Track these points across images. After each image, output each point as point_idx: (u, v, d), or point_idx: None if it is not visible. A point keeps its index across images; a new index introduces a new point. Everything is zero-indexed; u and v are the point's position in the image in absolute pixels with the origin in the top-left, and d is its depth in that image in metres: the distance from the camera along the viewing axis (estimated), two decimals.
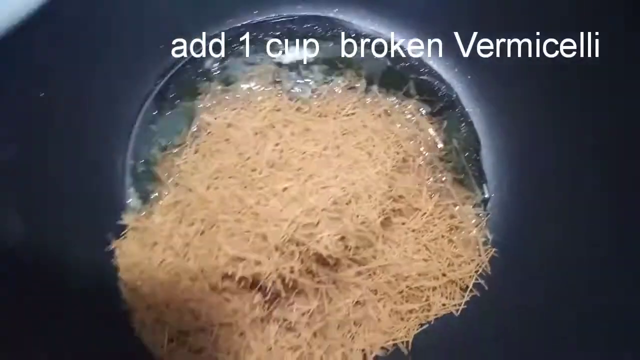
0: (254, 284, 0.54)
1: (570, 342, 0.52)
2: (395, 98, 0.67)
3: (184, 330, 0.53)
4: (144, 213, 0.60)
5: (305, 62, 0.69)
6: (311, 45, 0.70)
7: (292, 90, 0.67)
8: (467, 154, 0.65)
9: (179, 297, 0.54)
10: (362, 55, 0.69)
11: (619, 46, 0.56)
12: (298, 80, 0.68)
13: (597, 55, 0.57)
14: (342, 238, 0.54)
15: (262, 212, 0.54)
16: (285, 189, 0.56)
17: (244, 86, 0.67)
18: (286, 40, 0.70)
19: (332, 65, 0.69)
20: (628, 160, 0.55)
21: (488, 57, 0.66)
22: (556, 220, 0.59)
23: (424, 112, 0.66)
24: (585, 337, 0.52)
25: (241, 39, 0.69)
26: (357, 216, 0.55)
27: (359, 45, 0.70)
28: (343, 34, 0.70)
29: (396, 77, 0.68)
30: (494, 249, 0.60)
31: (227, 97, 0.67)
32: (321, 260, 0.55)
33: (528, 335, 0.55)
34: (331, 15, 0.71)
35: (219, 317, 0.53)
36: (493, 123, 0.66)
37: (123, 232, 0.58)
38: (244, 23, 0.70)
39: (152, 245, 0.57)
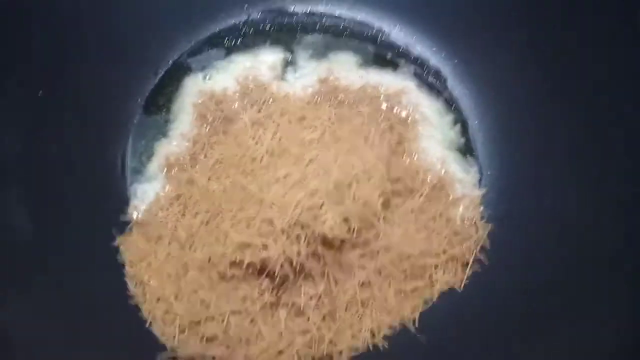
0: (262, 270, 0.54)
1: (573, 310, 0.54)
2: (386, 83, 0.68)
3: (195, 320, 0.53)
4: (146, 208, 0.60)
5: (296, 53, 0.70)
6: (301, 37, 0.71)
7: (286, 81, 0.68)
8: (458, 134, 0.67)
9: (188, 288, 0.54)
10: (352, 44, 0.71)
11: (607, 21, 0.58)
12: (290, 71, 0.69)
13: (581, 31, 0.59)
14: (346, 219, 0.55)
15: (266, 198, 0.55)
16: (286, 175, 0.57)
17: (239, 79, 0.68)
18: (278, 33, 0.71)
19: (323, 55, 0.70)
20: (617, 127, 0.57)
21: (473, 40, 0.68)
22: (550, 193, 0.61)
23: (414, 96, 0.68)
24: (589, 305, 0.54)
25: (235, 34, 0.70)
26: (359, 198, 0.57)
27: (347, 35, 0.71)
28: (332, 25, 0.71)
29: (386, 64, 0.70)
30: (490, 224, 0.62)
31: (222, 91, 0.67)
32: (326, 242, 0.55)
33: (531, 306, 0.56)
34: (320, 7, 0.72)
35: (228, 305, 0.54)
36: (482, 103, 0.68)
37: (127, 228, 0.58)
38: (237, 19, 0.71)
39: (156, 239, 0.57)
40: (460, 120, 0.68)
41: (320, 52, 0.70)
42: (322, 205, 0.55)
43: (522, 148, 0.65)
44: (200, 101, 0.66)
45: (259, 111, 0.65)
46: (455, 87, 0.69)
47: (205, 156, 0.62)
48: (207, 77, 0.68)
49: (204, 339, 0.53)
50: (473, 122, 0.68)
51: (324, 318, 0.56)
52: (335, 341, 0.56)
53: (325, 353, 0.55)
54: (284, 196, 0.55)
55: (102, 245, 0.57)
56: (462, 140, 0.67)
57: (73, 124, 0.61)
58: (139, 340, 0.53)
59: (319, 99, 0.67)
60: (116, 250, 0.57)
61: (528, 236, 0.61)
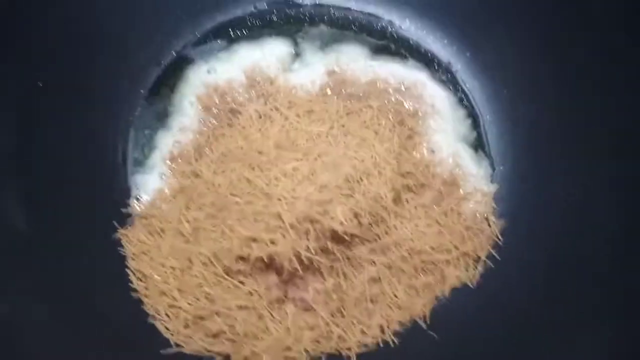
0: (269, 265, 0.53)
1: (590, 307, 0.53)
2: (396, 75, 0.66)
3: (200, 315, 0.52)
4: (148, 200, 0.58)
5: (302, 45, 0.68)
6: (308, 29, 0.69)
7: (293, 73, 0.67)
8: (470, 128, 0.66)
9: (192, 282, 0.53)
10: (360, 37, 0.69)
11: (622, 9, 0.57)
12: (297, 63, 0.68)
13: (596, 21, 0.58)
14: (356, 214, 0.54)
15: (273, 192, 0.53)
16: (295, 168, 0.55)
17: (246, 71, 0.66)
18: (285, 25, 0.69)
19: (329, 47, 0.68)
20: (635, 123, 0.56)
21: (486, 33, 0.67)
22: (563, 189, 0.60)
23: (425, 89, 0.66)
24: (605, 302, 0.52)
25: (240, 25, 0.69)
26: (369, 192, 0.55)
27: (356, 28, 0.70)
28: (340, 17, 0.70)
29: (395, 55, 0.68)
30: (503, 220, 0.60)
31: (226, 83, 0.65)
32: (336, 237, 0.54)
33: (546, 303, 0.55)
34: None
35: (234, 300, 0.52)
36: (494, 97, 0.66)
37: (129, 220, 0.57)
38: (243, 10, 0.69)
39: (160, 232, 0.56)
40: (472, 115, 0.66)
41: (327, 44, 0.69)
42: (331, 200, 0.53)
43: (535, 144, 0.63)
44: (204, 92, 0.65)
45: (265, 103, 0.63)
46: (467, 80, 0.68)
47: (211, 149, 0.61)
48: (212, 69, 0.66)
49: (210, 334, 0.52)
50: (485, 117, 0.66)
51: (332, 314, 0.54)
52: (344, 337, 0.54)
53: (334, 349, 0.53)
54: (292, 190, 0.53)
55: (103, 237, 0.55)
56: (474, 134, 0.66)
57: (73, 115, 0.59)
58: (141, 336, 0.51)
59: (327, 91, 0.66)
60: (118, 243, 0.55)
61: (541, 232, 0.59)
